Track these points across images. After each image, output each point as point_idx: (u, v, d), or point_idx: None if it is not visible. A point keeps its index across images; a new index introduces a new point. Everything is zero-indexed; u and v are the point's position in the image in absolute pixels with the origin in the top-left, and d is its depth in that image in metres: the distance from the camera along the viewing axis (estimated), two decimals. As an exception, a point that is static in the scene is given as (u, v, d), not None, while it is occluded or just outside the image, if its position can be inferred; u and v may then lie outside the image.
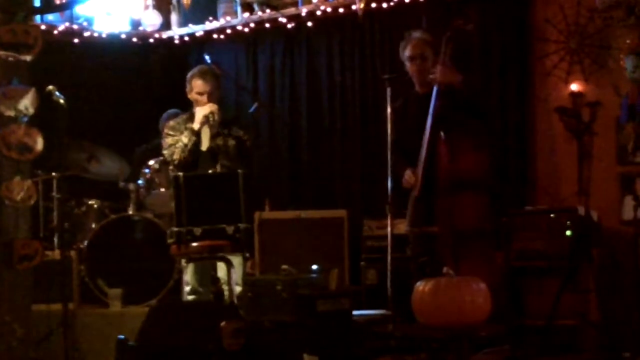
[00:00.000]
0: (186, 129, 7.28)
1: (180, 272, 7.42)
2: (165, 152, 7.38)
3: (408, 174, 6.41)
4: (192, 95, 7.36)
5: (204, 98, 7.28)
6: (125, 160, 8.27)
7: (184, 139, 7.23)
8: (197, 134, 7.24)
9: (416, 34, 6.64)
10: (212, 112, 7.25)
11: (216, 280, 6.94)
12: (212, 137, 7.28)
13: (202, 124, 7.25)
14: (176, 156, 7.24)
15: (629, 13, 7.09)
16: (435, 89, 6.32)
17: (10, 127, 5.78)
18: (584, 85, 7.36)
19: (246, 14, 9.13)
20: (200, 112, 7.28)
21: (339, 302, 6.04)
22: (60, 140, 7.10)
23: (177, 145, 7.25)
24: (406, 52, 6.59)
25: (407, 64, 6.60)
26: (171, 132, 7.36)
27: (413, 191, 6.38)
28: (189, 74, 7.43)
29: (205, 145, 7.28)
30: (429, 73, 6.48)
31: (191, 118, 7.35)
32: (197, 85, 7.32)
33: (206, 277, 7.22)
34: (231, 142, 7.27)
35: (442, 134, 6.28)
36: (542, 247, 6.76)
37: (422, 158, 6.32)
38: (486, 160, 6.41)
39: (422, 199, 6.33)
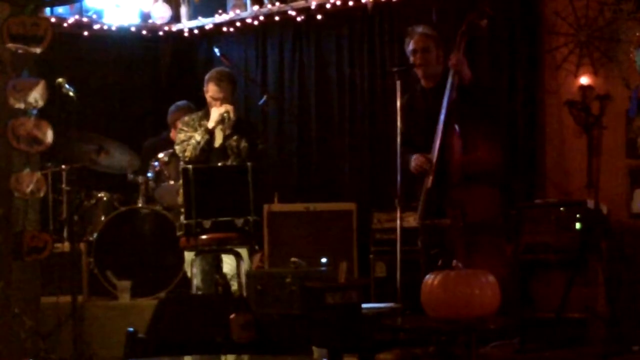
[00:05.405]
0: (200, 126, 7.31)
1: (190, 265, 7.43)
2: (177, 147, 7.40)
3: (417, 158, 6.41)
4: (207, 97, 7.39)
5: (217, 103, 7.31)
6: (134, 152, 8.27)
7: (197, 136, 7.25)
8: (210, 133, 7.26)
9: (419, 29, 6.68)
10: (227, 112, 7.27)
11: (222, 271, 6.95)
12: (226, 137, 7.30)
13: (217, 123, 7.27)
14: (188, 153, 7.27)
15: (639, 6, 7.07)
16: (449, 80, 6.34)
17: (20, 120, 5.78)
18: (593, 78, 7.34)
19: (255, 7, 9.12)
20: (216, 111, 7.29)
21: (348, 294, 6.02)
22: (69, 132, 7.12)
23: (189, 142, 7.27)
24: (410, 46, 6.64)
25: (411, 58, 6.62)
26: (185, 128, 7.38)
27: (425, 182, 6.39)
28: (207, 75, 7.46)
29: (217, 143, 7.30)
30: (433, 66, 6.53)
31: (206, 115, 7.37)
32: (211, 90, 7.36)
33: (209, 275, 7.22)
34: (243, 145, 7.29)
35: (456, 126, 6.29)
36: (551, 240, 6.74)
37: (435, 149, 6.33)
38: (498, 154, 6.43)
39: (433, 191, 6.34)
